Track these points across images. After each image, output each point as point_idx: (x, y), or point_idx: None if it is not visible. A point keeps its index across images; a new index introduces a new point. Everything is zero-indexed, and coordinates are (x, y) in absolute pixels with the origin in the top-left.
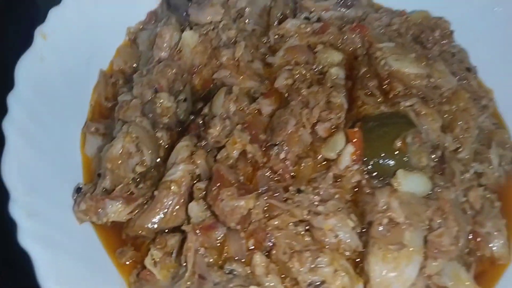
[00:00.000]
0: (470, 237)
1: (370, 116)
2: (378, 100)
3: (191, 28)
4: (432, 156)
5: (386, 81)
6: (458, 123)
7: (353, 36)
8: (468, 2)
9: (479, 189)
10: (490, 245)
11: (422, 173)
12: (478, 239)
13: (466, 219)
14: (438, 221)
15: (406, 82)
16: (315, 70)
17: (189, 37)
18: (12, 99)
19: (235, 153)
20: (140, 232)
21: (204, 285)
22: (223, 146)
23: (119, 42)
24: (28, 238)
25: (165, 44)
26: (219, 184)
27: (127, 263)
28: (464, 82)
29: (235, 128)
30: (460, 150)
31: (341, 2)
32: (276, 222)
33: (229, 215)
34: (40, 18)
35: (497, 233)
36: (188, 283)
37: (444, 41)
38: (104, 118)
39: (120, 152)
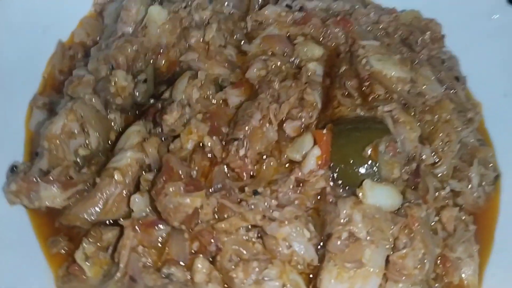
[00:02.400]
0: (438, 261)
1: (345, 118)
2: (356, 102)
3: (160, 4)
4: (406, 168)
5: (367, 83)
6: (439, 135)
7: (337, 30)
8: (465, 6)
9: (454, 209)
10: (459, 272)
11: (392, 186)
12: (447, 264)
13: (435, 241)
14: (404, 240)
15: (387, 86)
16: (292, 63)
17: (156, 13)
18: None
19: (190, 145)
20: (75, 222)
21: None
22: (178, 136)
23: (84, 13)
24: None
25: (130, 19)
26: (165, 177)
27: (60, 252)
28: (451, 91)
29: (193, 118)
30: (438, 164)
31: None
32: (224, 225)
33: (172, 212)
34: None
35: (469, 259)
36: (118, 284)
37: (433, 45)
38: (57, 92)
39: (60, 130)
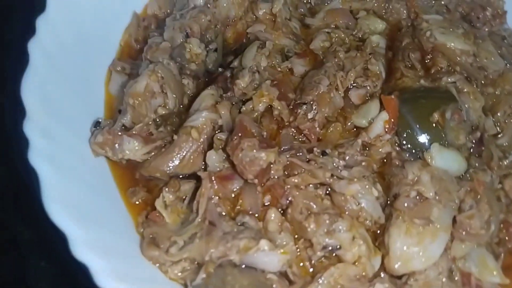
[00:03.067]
0: (501, 226)
1: (409, 88)
2: (419, 73)
3: None
4: (470, 137)
5: (429, 56)
6: (502, 106)
7: (399, 5)
8: None
9: None
10: None
11: (458, 151)
12: (511, 230)
13: (499, 206)
14: (470, 202)
15: (450, 58)
16: (355, 36)
17: None
18: (41, 22)
19: (261, 106)
20: (155, 173)
21: (213, 232)
22: (250, 99)
23: None
24: (38, 157)
25: None
26: (240, 134)
27: (137, 202)
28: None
29: (263, 83)
30: (500, 135)
31: None
32: (295, 180)
33: (248, 166)
34: None
35: None
36: (198, 228)
37: (495, 21)
38: (133, 59)
39: (143, 89)
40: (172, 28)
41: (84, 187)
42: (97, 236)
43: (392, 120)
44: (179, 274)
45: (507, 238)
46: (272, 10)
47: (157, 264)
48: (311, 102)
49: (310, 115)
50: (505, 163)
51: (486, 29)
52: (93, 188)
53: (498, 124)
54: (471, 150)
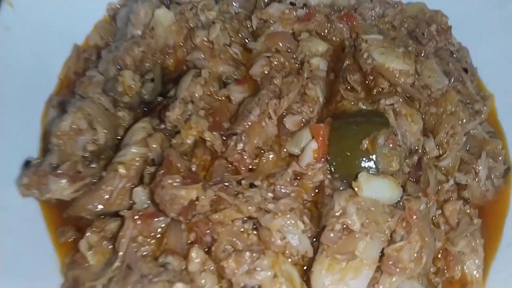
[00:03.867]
0: (440, 255)
1: (346, 112)
2: (359, 95)
3: (167, 6)
4: (407, 161)
5: (371, 76)
6: (444, 127)
7: (341, 25)
8: None
9: (457, 202)
10: (461, 267)
11: (390, 178)
12: (449, 259)
13: (437, 235)
14: (401, 233)
15: (390, 79)
16: (297, 59)
17: (163, 15)
18: None
19: (190, 140)
20: (81, 213)
21: (129, 276)
22: (180, 131)
23: (98, 17)
24: None
25: (139, 21)
26: (164, 171)
27: (68, 241)
28: (459, 83)
29: (193, 115)
30: (443, 157)
31: None
32: (218, 216)
33: (169, 204)
34: None
35: (472, 254)
36: (116, 271)
37: (440, 37)
38: (72, 93)
39: (68, 128)
40: (106, 61)
41: (10, 230)
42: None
43: (321, 149)
44: None
45: (445, 267)
46: (209, 37)
47: None
48: (241, 133)
49: (239, 146)
50: (446, 186)
51: (432, 45)
52: (22, 231)
53: (441, 145)
54: (409, 175)
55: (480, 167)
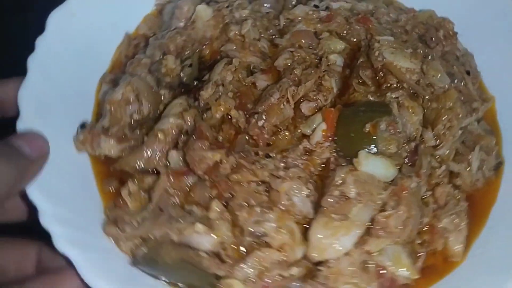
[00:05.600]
0: (425, 228)
1: (357, 102)
2: (370, 89)
3: (207, 3)
4: (406, 147)
5: (381, 73)
6: (441, 121)
7: (358, 27)
8: (483, 7)
9: (447, 186)
10: (445, 241)
11: (387, 159)
12: (434, 232)
13: (424, 211)
14: (392, 205)
15: (397, 75)
16: (317, 55)
17: (202, 10)
18: (40, 42)
19: (218, 115)
20: (125, 167)
21: (160, 216)
22: (210, 108)
23: (147, 11)
24: None
25: (182, 15)
26: (195, 137)
27: (111, 190)
28: (460, 84)
29: (223, 94)
30: (439, 147)
31: None
32: (237, 177)
33: (197, 163)
34: None
35: (456, 231)
36: (150, 213)
37: (446, 42)
38: (122, 73)
39: (120, 97)
40: (153, 47)
41: (64, 176)
42: (65, 212)
43: (330, 129)
44: (130, 248)
45: (430, 240)
46: (241, 32)
47: (114, 240)
48: (262, 112)
49: (259, 123)
50: (438, 172)
51: (440, 49)
52: (72, 178)
53: (438, 137)
54: (406, 159)
55: (472, 158)
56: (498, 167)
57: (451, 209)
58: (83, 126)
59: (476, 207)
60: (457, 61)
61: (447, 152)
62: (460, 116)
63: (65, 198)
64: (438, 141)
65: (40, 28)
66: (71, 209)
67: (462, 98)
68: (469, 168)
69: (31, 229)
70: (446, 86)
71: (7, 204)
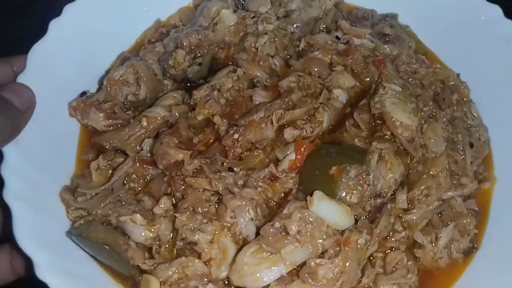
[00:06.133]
0: None
1: (342, 143)
2: (362, 133)
3: (234, 10)
4: (372, 201)
5: (379, 121)
6: (419, 186)
7: (374, 69)
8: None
9: (401, 254)
10: None
11: (343, 207)
12: None
13: (367, 271)
14: (330, 255)
15: (391, 127)
16: (324, 86)
17: (226, 15)
18: (69, 8)
19: (199, 117)
20: (103, 142)
21: (109, 196)
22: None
23: (184, 4)
24: None
25: (209, 15)
26: (170, 132)
27: (87, 160)
28: (459, 155)
29: (212, 99)
30: (409, 212)
31: (380, 35)
32: (192, 181)
33: (160, 157)
34: None
35: None
36: (103, 189)
37: (458, 107)
38: (136, 55)
39: (118, 77)
40: (170, 38)
41: (46, 135)
42: (32, 168)
43: (298, 161)
44: (74, 217)
45: None
46: (256, 45)
47: (65, 205)
48: (241, 126)
49: (235, 136)
50: (397, 236)
51: (450, 112)
52: (54, 138)
53: (412, 202)
54: (368, 213)
55: (441, 234)
56: (470, 251)
57: (396, 278)
58: (82, 94)
59: (431, 285)
60: (465, 130)
61: (416, 220)
62: (441, 187)
63: (39, 156)
64: (410, 206)
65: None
66: (39, 167)
67: (454, 169)
68: (435, 242)
69: None
70: (440, 152)
71: None
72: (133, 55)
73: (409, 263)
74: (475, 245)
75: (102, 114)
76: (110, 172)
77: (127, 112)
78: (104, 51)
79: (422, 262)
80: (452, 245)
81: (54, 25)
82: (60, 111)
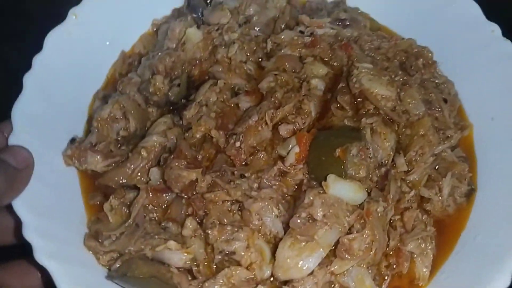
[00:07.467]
0: (392, 252)
1: (333, 126)
2: (348, 114)
3: (198, 26)
4: (377, 172)
5: (359, 99)
6: (413, 147)
7: (341, 54)
8: (464, 38)
9: (415, 211)
10: (411, 265)
11: (355, 183)
12: (400, 256)
13: (391, 234)
14: (357, 228)
15: (373, 101)
16: (300, 79)
17: (192, 33)
18: (37, 60)
19: (198, 135)
20: (108, 182)
21: (136, 232)
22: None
23: (144, 30)
24: None
25: (174, 37)
26: (175, 155)
27: (96, 204)
28: (437, 111)
29: (204, 115)
30: (410, 172)
31: (338, 21)
32: (211, 196)
33: (174, 181)
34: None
35: (422, 255)
36: (128, 227)
37: (425, 70)
38: (115, 90)
39: (107, 115)
40: (143, 66)
41: (52, 189)
42: (48, 224)
43: (302, 153)
44: (107, 261)
45: (396, 263)
46: (228, 54)
47: (93, 253)
48: (239, 133)
49: (237, 144)
50: (407, 197)
51: (419, 77)
52: (59, 191)
53: (409, 163)
54: (376, 184)
55: (444, 184)
56: (470, 194)
57: (418, 234)
58: (73, 141)
59: (446, 232)
60: (435, 88)
61: (418, 178)
62: (432, 143)
63: (49, 211)
64: (410, 167)
65: (38, 48)
66: (54, 221)
67: (436, 125)
68: (439, 194)
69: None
70: (421, 113)
71: None
72: (109, 91)
73: (424, 217)
74: (473, 187)
75: (99, 156)
76: (124, 209)
77: (122, 148)
78: (80, 94)
79: (433, 213)
80: (455, 192)
81: (28, 79)
82: (55, 162)
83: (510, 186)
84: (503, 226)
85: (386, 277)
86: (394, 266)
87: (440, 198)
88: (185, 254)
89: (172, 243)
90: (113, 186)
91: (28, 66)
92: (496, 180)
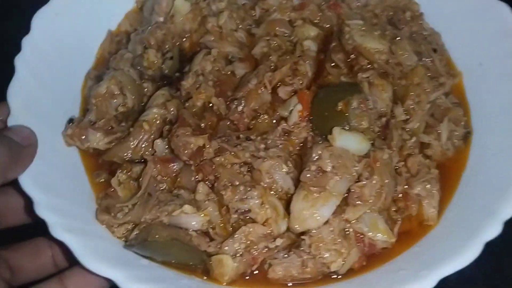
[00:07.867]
0: (400, 196)
1: (330, 83)
2: (343, 71)
3: None
4: (377, 122)
5: (353, 55)
6: (410, 96)
7: (330, 14)
8: None
9: (418, 156)
10: (419, 207)
11: (359, 134)
12: (408, 200)
13: (398, 180)
14: (366, 176)
15: (367, 56)
16: (292, 42)
17: (180, 5)
18: (26, 42)
19: (199, 103)
20: (113, 158)
21: (149, 201)
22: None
23: (128, 8)
24: None
25: (161, 10)
26: (179, 125)
27: (101, 182)
28: (428, 61)
29: (203, 83)
30: (409, 121)
31: None
32: (220, 160)
33: (182, 149)
34: None
35: (428, 197)
36: (139, 199)
37: (413, 23)
38: (106, 68)
39: (104, 91)
40: (134, 42)
41: (56, 170)
42: (58, 202)
43: (305, 110)
44: (123, 233)
45: (405, 207)
46: (218, 23)
47: (107, 226)
48: (241, 98)
49: (239, 108)
50: (409, 143)
51: (407, 30)
52: (63, 171)
53: (407, 111)
54: (378, 133)
55: (441, 129)
56: (467, 136)
57: (423, 177)
58: (70, 121)
59: (448, 174)
60: (424, 40)
61: (417, 125)
62: (427, 90)
63: (57, 190)
64: (408, 115)
65: (26, 29)
66: (64, 199)
67: (429, 74)
68: (438, 138)
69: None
70: (414, 64)
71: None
72: (101, 70)
73: (427, 161)
74: (469, 130)
75: (100, 133)
76: (132, 183)
77: (122, 124)
78: (72, 74)
79: (434, 158)
80: (453, 136)
81: (20, 62)
82: (56, 143)
83: (503, 125)
84: (502, 161)
85: (397, 221)
86: (403, 210)
87: (439, 142)
88: (202, 215)
89: (187, 207)
90: (118, 161)
91: (16, 47)
92: (489, 121)
